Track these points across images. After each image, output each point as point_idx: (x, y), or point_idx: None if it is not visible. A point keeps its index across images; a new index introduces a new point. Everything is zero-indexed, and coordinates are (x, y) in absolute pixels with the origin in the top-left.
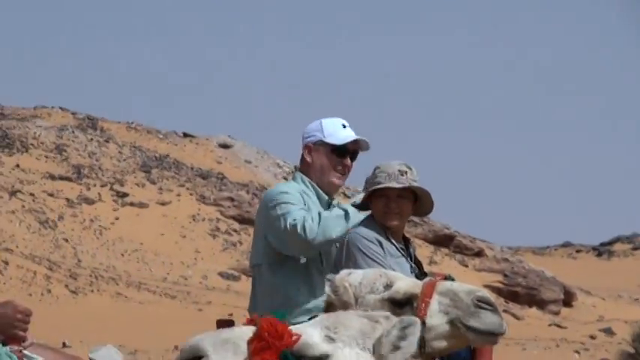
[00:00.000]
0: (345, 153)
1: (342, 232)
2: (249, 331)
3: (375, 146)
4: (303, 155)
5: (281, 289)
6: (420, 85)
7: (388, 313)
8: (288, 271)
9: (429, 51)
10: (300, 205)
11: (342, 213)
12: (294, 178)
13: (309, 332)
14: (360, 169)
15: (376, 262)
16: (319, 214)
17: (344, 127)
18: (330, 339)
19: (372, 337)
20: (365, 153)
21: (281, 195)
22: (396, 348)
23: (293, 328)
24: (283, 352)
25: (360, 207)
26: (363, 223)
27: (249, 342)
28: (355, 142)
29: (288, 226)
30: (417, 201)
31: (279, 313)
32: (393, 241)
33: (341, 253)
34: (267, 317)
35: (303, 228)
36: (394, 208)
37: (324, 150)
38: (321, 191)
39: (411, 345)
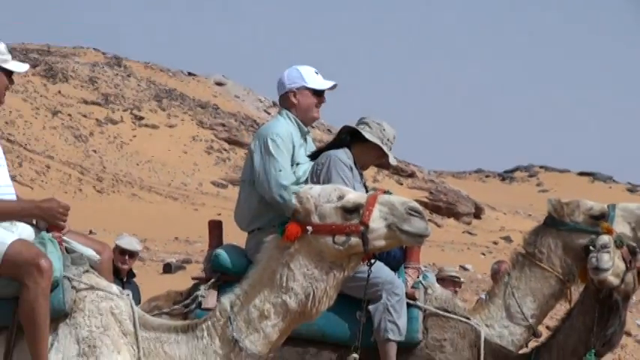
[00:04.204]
0: (322, 93)
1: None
2: None
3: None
4: (286, 97)
5: (254, 202)
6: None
7: None
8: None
9: None
10: (285, 164)
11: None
12: (280, 114)
13: None
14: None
15: (345, 182)
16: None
17: (317, 73)
18: None
19: None
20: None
21: (274, 141)
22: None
23: None
24: None
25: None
26: (343, 150)
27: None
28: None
29: (269, 184)
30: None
31: None
32: (359, 169)
33: (322, 170)
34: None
35: (277, 197)
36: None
37: (308, 93)
38: (302, 124)
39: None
